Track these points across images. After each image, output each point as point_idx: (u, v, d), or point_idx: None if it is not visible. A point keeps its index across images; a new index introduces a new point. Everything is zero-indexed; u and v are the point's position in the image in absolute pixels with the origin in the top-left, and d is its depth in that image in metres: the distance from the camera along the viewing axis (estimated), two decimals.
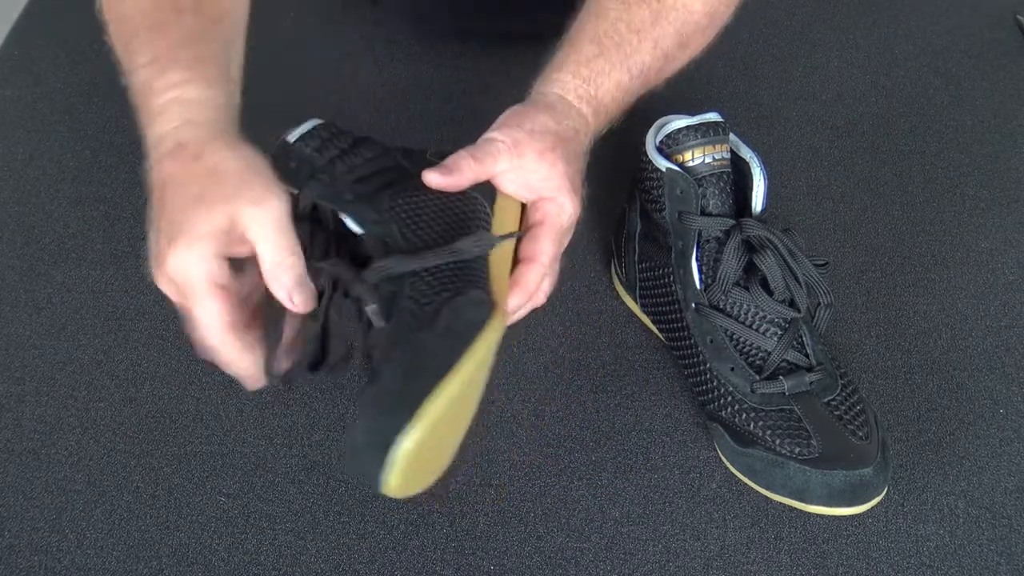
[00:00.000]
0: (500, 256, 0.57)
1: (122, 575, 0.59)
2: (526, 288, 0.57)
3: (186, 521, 0.62)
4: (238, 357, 0.53)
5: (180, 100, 0.54)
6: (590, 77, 0.62)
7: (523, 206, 0.60)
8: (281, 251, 0.51)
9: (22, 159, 0.82)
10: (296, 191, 0.55)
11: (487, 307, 0.51)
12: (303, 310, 0.52)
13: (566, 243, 0.60)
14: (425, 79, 0.89)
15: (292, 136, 0.58)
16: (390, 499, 0.62)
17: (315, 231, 0.55)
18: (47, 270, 0.74)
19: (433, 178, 0.55)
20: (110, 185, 0.80)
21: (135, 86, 0.57)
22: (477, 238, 0.54)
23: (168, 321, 0.71)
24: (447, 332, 0.48)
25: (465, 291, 0.51)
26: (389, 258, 0.52)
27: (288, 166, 0.56)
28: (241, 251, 0.51)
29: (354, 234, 0.55)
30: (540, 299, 0.60)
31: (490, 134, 0.59)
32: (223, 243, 0.50)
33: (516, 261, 0.58)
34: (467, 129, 0.84)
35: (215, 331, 0.51)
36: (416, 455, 0.45)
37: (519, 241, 0.59)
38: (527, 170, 0.58)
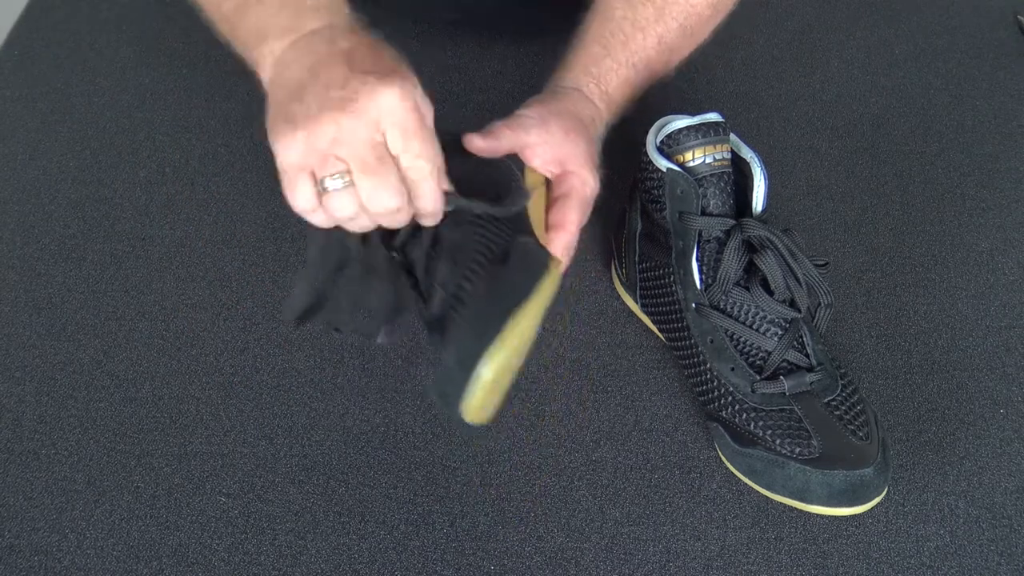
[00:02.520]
0: (537, 223, 0.61)
1: (122, 575, 0.59)
2: (555, 253, 0.61)
3: (186, 521, 0.62)
4: (434, 208, 0.53)
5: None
6: (599, 75, 0.66)
7: (548, 181, 0.63)
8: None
9: (22, 159, 0.82)
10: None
11: (546, 252, 0.56)
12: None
13: (588, 215, 0.63)
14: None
15: None
16: (389, 500, 0.63)
17: None
18: (47, 270, 0.74)
19: (476, 141, 0.59)
20: (110, 185, 0.80)
21: None
22: (518, 194, 0.58)
23: (168, 321, 0.71)
24: (520, 266, 0.53)
25: (523, 236, 0.56)
26: (459, 198, 0.55)
27: None
28: None
29: None
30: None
31: (520, 111, 0.62)
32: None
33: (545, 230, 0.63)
34: (467, 129, 0.85)
35: (426, 176, 0.51)
36: (496, 376, 0.50)
37: (548, 209, 0.62)
38: (554, 145, 0.61)
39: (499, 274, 0.53)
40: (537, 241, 0.57)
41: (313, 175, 0.50)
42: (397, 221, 0.53)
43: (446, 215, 0.55)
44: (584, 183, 0.62)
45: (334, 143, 0.49)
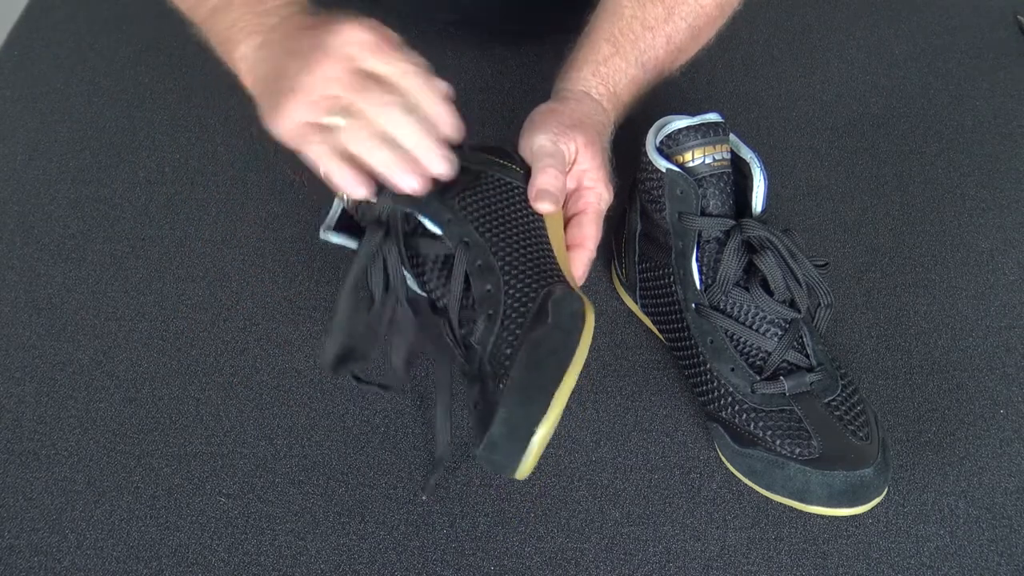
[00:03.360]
0: (559, 246, 0.62)
1: (122, 575, 0.59)
2: (578, 272, 0.62)
3: (186, 521, 0.62)
4: (440, 106, 0.56)
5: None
6: (608, 75, 0.66)
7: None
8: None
9: (22, 159, 0.82)
10: (375, 201, 0.58)
11: (579, 299, 0.56)
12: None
13: (602, 229, 0.64)
14: None
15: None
16: (389, 500, 0.63)
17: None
18: (47, 270, 0.74)
19: (544, 207, 0.60)
20: (110, 185, 0.80)
21: None
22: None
23: (168, 321, 0.71)
24: (557, 327, 0.53)
25: (555, 287, 0.56)
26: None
27: None
28: None
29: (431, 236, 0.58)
30: (579, 281, 0.64)
31: (543, 138, 0.61)
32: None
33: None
34: (468, 129, 0.85)
35: (418, 82, 0.55)
36: (546, 439, 0.51)
37: (565, 228, 0.63)
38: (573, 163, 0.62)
39: (539, 340, 0.53)
40: (566, 286, 0.57)
41: (318, 128, 0.54)
42: (411, 139, 0.55)
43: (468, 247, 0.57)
44: (599, 199, 0.63)
45: (324, 87, 0.54)
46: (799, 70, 0.90)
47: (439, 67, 0.90)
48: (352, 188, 0.55)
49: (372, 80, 0.55)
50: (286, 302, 0.72)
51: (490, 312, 0.55)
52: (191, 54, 0.90)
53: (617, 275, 0.73)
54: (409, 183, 0.55)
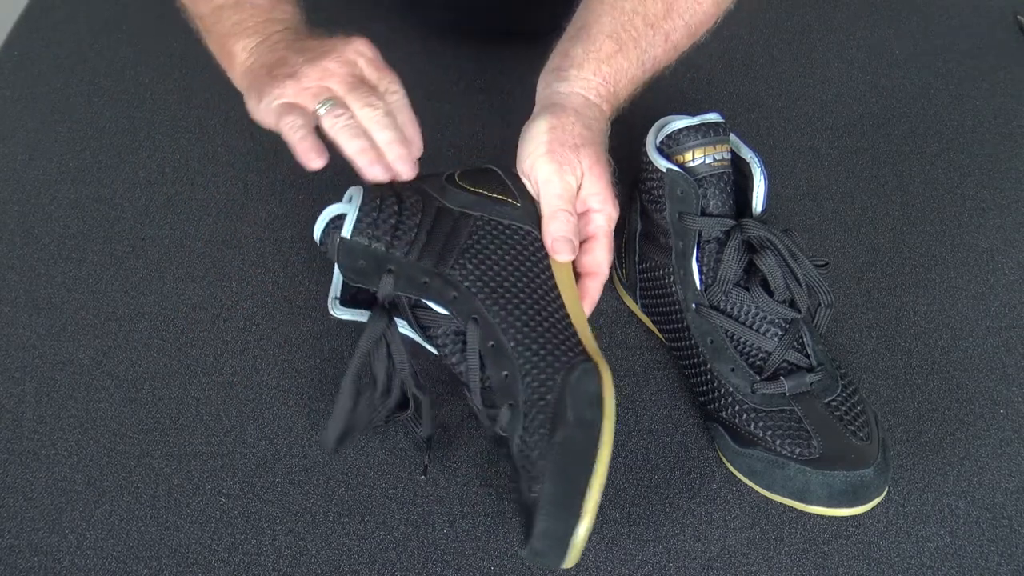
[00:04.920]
0: (567, 284, 0.61)
1: (122, 575, 0.59)
2: (592, 300, 0.63)
3: (186, 521, 0.62)
4: (413, 130, 0.63)
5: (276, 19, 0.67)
6: (611, 76, 0.64)
7: None
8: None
9: (22, 159, 0.82)
10: (374, 288, 0.59)
11: (595, 374, 0.55)
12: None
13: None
14: (425, 79, 0.88)
15: (346, 230, 0.60)
16: (389, 500, 0.63)
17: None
18: (47, 270, 0.74)
19: (562, 258, 0.61)
20: (110, 185, 0.80)
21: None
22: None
23: (168, 321, 0.71)
24: (579, 424, 0.53)
25: (571, 366, 0.55)
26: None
27: (357, 266, 0.59)
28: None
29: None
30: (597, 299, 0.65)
31: (547, 170, 0.61)
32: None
33: (576, 274, 0.63)
34: (467, 129, 0.85)
35: (401, 103, 0.63)
36: (588, 532, 0.51)
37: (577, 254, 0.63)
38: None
39: (563, 444, 0.52)
40: (580, 359, 0.56)
41: (302, 109, 0.60)
42: (384, 139, 0.61)
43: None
44: (608, 219, 0.62)
45: (322, 79, 0.61)
46: (799, 70, 0.90)
47: (439, 67, 0.90)
48: (311, 157, 0.59)
49: (364, 85, 0.62)
50: (286, 302, 0.72)
51: (511, 403, 0.55)
52: (191, 54, 0.90)
53: (617, 275, 0.73)
54: (375, 173, 0.60)
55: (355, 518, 0.62)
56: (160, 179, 0.80)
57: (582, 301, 0.61)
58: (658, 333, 0.70)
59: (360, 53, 0.63)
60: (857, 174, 0.82)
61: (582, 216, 0.62)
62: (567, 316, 0.59)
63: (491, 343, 0.57)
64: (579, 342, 0.57)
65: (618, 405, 0.67)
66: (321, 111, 0.60)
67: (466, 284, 0.58)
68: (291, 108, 0.60)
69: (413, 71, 0.89)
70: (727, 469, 0.63)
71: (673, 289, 0.65)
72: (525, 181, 0.63)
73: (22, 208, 0.78)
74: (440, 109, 0.86)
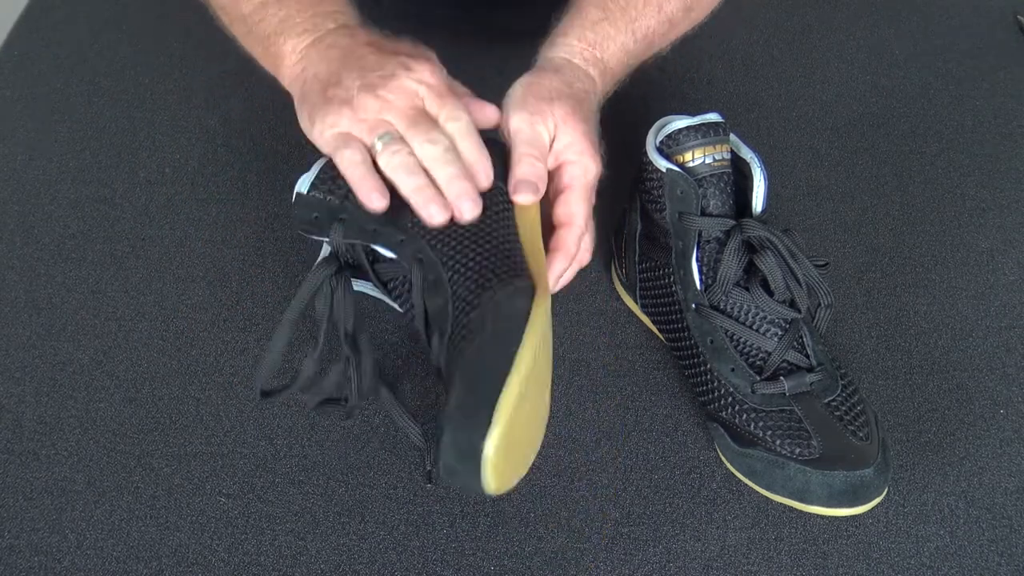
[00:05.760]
0: (529, 229, 0.58)
1: (122, 575, 0.59)
2: (567, 251, 0.59)
3: (186, 522, 0.62)
4: (480, 156, 0.58)
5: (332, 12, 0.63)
6: (596, 41, 0.64)
7: None
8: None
9: (22, 159, 0.82)
10: (326, 239, 0.58)
11: (527, 293, 0.53)
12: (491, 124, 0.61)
13: (593, 200, 0.62)
14: None
15: (302, 185, 0.59)
16: (389, 500, 0.63)
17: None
18: (47, 270, 0.74)
19: (523, 199, 0.58)
20: (110, 185, 0.80)
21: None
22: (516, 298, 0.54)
23: (168, 321, 0.71)
24: (496, 335, 0.50)
25: (503, 284, 0.53)
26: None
27: (311, 218, 0.59)
28: None
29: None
30: (585, 258, 0.62)
31: (518, 119, 0.60)
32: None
33: (552, 227, 0.60)
34: None
35: (465, 129, 0.58)
36: (504, 453, 0.48)
37: (552, 207, 0.61)
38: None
39: (476, 352, 0.50)
40: (517, 280, 0.54)
41: (359, 142, 0.57)
42: (444, 176, 0.56)
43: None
44: (585, 171, 0.60)
45: (380, 111, 0.57)
46: (799, 70, 0.90)
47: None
48: (373, 199, 0.56)
49: (425, 118, 0.58)
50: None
51: (441, 330, 0.54)
52: (191, 54, 0.90)
53: (617, 275, 0.73)
54: (437, 215, 0.55)
55: (355, 518, 0.62)
56: (160, 179, 0.80)
57: (556, 252, 0.59)
58: (658, 333, 0.70)
59: (422, 81, 0.58)
60: (857, 174, 0.82)
61: (558, 168, 0.61)
62: (520, 253, 0.57)
63: (431, 277, 0.55)
64: (523, 272, 0.55)
65: (618, 404, 0.67)
66: (378, 146, 0.57)
67: (415, 229, 0.57)
68: (347, 140, 0.57)
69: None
70: (727, 469, 0.63)
71: (673, 289, 0.65)
72: (505, 139, 0.62)
73: (22, 208, 0.78)
74: None
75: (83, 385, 0.68)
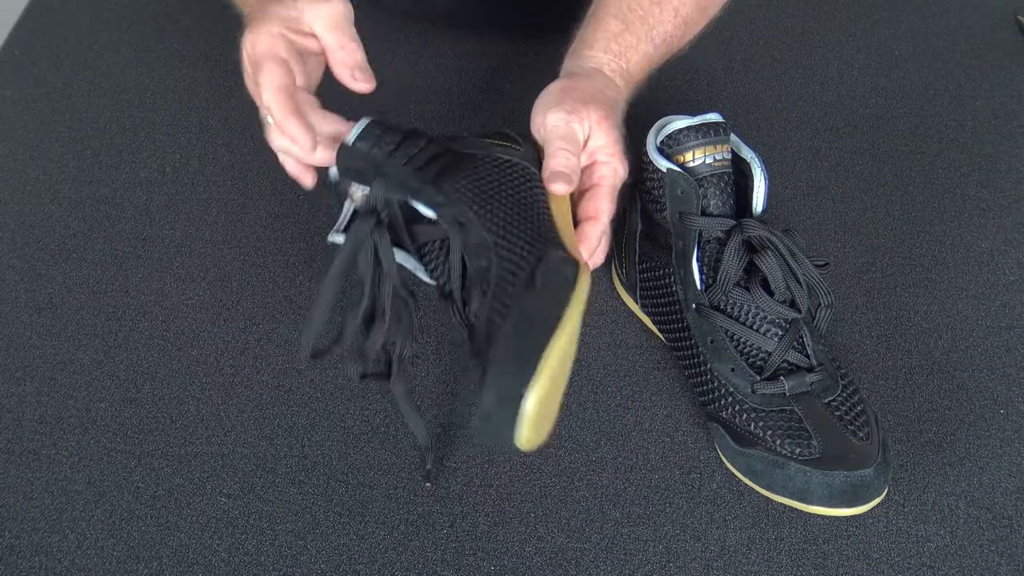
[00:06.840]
0: (563, 219, 0.60)
1: (122, 575, 0.59)
2: (590, 244, 0.61)
3: (186, 522, 0.62)
4: (285, 117, 0.58)
5: None
6: (620, 52, 0.66)
7: None
8: (343, 39, 0.60)
9: (22, 159, 0.82)
10: (366, 187, 0.58)
11: (572, 263, 0.54)
12: (365, 88, 0.61)
13: (616, 203, 0.63)
14: (426, 77, 0.89)
15: (350, 138, 0.60)
16: (389, 500, 0.63)
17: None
18: (47, 270, 0.74)
19: (558, 188, 0.59)
20: (110, 185, 0.80)
21: None
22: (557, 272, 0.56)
23: (168, 321, 0.71)
24: (546, 291, 0.52)
25: (548, 253, 0.54)
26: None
27: (356, 167, 0.59)
28: (310, 45, 0.61)
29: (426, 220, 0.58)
30: (599, 259, 0.63)
31: (556, 116, 0.61)
32: (289, 28, 0.60)
33: (576, 222, 0.62)
34: (468, 127, 0.85)
35: (269, 90, 0.58)
36: (541, 406, 0.49)
37: (577, 204, 0.62)
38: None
39: (527, 306, 0.52)
40: (562, 251, 0.56)
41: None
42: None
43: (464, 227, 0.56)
44: (614, 173, 0.62)
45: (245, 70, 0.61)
46: (799, 71, 0.90)
47: (439, 67, 0.90)
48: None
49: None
50: (286, 302, 0.72)
51: (484, 288, 0.55)
52: (192, 54, 0.90)
53: (617, 275, 0.73)
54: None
55: (355, 518, 0.62)
56: (160, 179, 0.80)
57: (579, 245, 0.61)
58: (658, 333, 0.70)
59: (250, 49, 0.60)
60: (857, 174, 0.82)
61: (588, 167, 0.63)
62: (555, 229, 0.58)
63: (474, 240, 0.56)
64: (562, 246, 0.57)
65: (618, 404, 0.67)
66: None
67: (458, 194, 0.57)
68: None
69: (414, 71, 0.89)
70: (727, 469, 0.63)
71: (673, 289, 0.65)
72: (536, 137, 0.64)
73: (22, 208, 0.78)
74: (442, 107, 0.86)
75: (83, 385, 0.68)
